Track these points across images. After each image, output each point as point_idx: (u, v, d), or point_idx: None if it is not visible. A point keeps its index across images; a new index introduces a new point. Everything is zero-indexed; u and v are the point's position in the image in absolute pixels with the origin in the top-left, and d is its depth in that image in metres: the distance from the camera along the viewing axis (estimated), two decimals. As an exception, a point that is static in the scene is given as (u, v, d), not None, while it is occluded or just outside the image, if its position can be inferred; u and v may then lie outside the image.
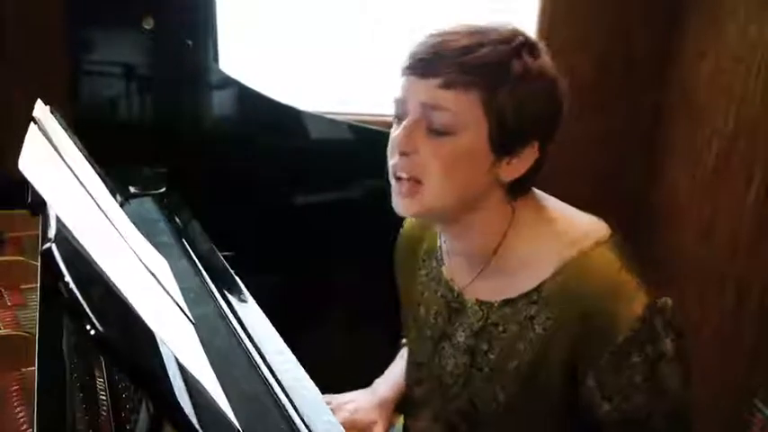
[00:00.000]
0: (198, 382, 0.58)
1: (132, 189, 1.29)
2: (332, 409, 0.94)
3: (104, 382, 0.71)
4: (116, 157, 1.63)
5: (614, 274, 0.77)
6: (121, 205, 1.18)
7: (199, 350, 0.71)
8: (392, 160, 0.80)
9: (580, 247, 0.79)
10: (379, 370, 1.11)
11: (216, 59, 1.76)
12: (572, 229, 0.82)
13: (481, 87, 0.75)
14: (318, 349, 1.71)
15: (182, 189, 1.42)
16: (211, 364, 0.70)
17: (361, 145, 1.79)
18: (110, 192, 1.00)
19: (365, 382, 1.07)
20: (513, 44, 0.76)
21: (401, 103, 0.79)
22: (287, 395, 0.71)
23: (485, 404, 0.86)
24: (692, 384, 0.80)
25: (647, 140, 1.96)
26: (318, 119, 1.80)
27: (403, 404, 1.03)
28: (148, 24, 1.71)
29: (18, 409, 0.76)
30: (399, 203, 0.81)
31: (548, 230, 0.82)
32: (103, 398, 0.70)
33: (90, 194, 0.71)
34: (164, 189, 1.33)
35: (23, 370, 0.82)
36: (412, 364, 0.99)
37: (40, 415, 0.65)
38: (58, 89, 1.67)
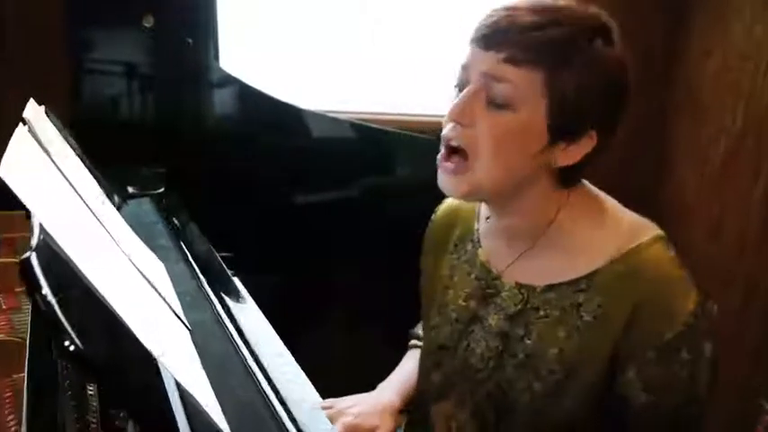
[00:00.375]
0: (190, 394, 0.56)
1: (130, 189, 1.27)
2: (333, 414, 0.92)
3: (96, 389, 0.69)
4: (116, 156, 1.62)
5: (672, 268, 0.77)
6: (119, 206, 1.18)
7: (194, 357, 0.70)
8: (445, 130, 0.78)
9: (639, 238, 0.78)
10: (380, 370, 1.08)
11: (216, 58, 1.75)
12: (628, 221, 0.81)
13: (544, 66, 0.73)
14: (319, 350, 1.69)
15: (182, 189, 1.41)
16: (207, 371, 0.68)
17: (363, 144, 1.77)
18: (106, 193, 0.98)
19: (366, 383, 1.05)
20: (586, 27, 0.75)
21: (464, 71, 0.78)
22: (283, 404, 0.69)
23: (517, 393, 0.83)
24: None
25: (653, 139, 1.93)
26: (320, 117, 1.77)
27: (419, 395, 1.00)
28: (149, 23, 1.69)
29: (9, 417, 0.75)
30: (448, 182, 0.79)
31: (604, 219, 0.81)
32: (95, 405, 0.68)
33: (81, 198, 0.69)
34: (162, 189, 1.31)
35: (14, 376, 0.81)
36: (431, 350, 0.95)
37: (30, 422, 0.64)
38: (57, 88, 1.65)
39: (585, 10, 0.76)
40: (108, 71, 1.72)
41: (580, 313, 0.78)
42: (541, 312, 0.81)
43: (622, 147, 1.88)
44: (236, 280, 1.42)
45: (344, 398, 0.99)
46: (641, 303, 0.75)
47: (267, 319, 1.22)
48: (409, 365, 1.04)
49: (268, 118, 1.76)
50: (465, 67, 0.78)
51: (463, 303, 0.89)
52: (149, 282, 0.73)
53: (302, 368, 1.00)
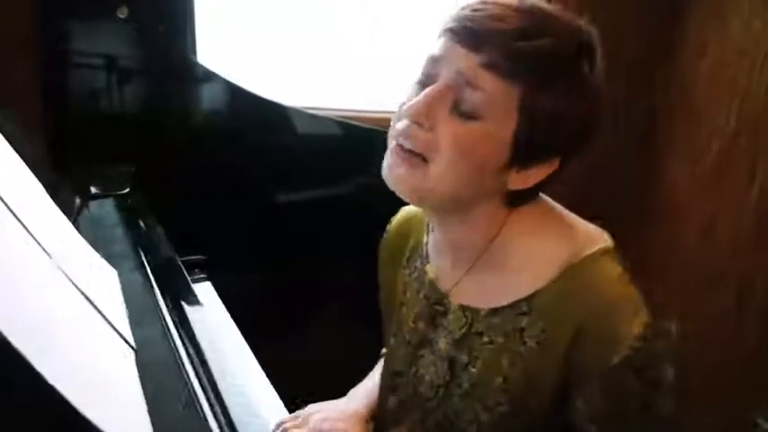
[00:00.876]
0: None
1: (93, 190, 1.21)
2: (299, 424, 0.87)
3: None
4: (88, 152, 1.59)
5: (617, 287, 0.69)
6: (80, 209, 1.12)
7: (133, 384, 0.64)
8: (400, 125, 0.70)
9: (582, 253, 0.70)
10: (368, 370, 1.04)
11: (194, 52, 1.69)
12: (572, 234, 0.73)
13: (524, 81, 0.65)
14: (305, 350, 1.68)
15: (155, 187, 1.36)
16: (148, 397, 0.63)
17: (349, 141, 1.72)
18: (55, 195, 0.92)
19: (353, 383, 1.00)
20: (576, 44, 0.67)
21: (432, 64, 0.69)
22: (227, 427, 0.63)
23: (465, 424, 0.78)
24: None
25: (644, 137, 1.89)
26: (302, 114, 1.72)
27: (377, 419, 0.96)
28: (123, 14, 1.64)
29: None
30: (395, 173, 0.70)
31: (545, 234, 0.74)
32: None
33: (12, 212, 0.63)
34: (128, 189, 1.25)
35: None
36: (388, 373, 0.90)
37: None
38: (27, 83, 1.60)
39: (574, 21, 0.69)
40: (81, 64, 1.66)
41: (523, 339, 0.72)
42: (485, 338, 0.75)
43: (613, 147, 1.86)
44: (207, 284, 1.38)
45: (310, 406, 0.94)
46: (583, 325, 0.68)
47: (248, 321, 1.17)
48: (375, 378, 0.99)
49: (247, 113, 1.71)
50: (435, 60, 0.69)
51: (412, 325, 0.84)
52: (88, 298, 0.67)
53: (287, 369, 0.96)
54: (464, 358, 0.77)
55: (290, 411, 0.98)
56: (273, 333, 1.56)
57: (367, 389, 0.98)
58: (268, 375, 1.06)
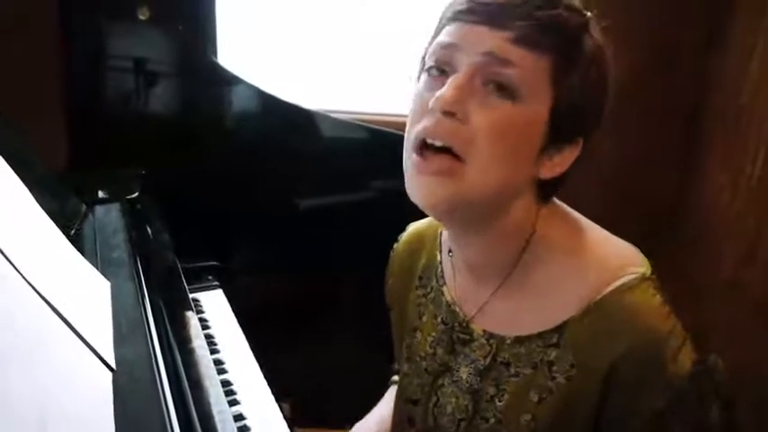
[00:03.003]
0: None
1: (101, 194, 1.18)
2: None
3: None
4: (106, 155, 1.58)
5: (660, 317, 0.62)
6: (84, 215, 1.09)
7: (104, 408, 0.60)
8: (423, 122, 0.62)
9: (617, 279, 0.64)
10: (383, 378, 1.01)
11: (214, 54, 1.67)
12: (606, 256, 0.67)
13: (556, 54, 0.61)
14: (319, 359, 1.63)
15: (174, 191, 1.33)
16: (119, 423, 0.58)
17: (371, 145, 1.67)
18: (55, 203, 0.89)
19: (367, 394, 0.98)
20: (584, 16, 0.64)
21: (450, 52, 0.63)
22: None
23: None
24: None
25: (684, 146, 1.78)
26: (323, 118, 1.69)
27: None
28: (144, 15, 1.62)
29: None
30: (427, 185, 0.62)
31: (575, 254, 0.67)
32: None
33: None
34: (136, 194, 1.22)
35: None
36: (403, 403, 0.83)
37: None
38: (49, 84, 1.60)
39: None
40: (101, 65, 1.66)
41: (553, 373, 0.65)
42: (512, 369, 0.69)
43: (645, 153, 1.77)
44: (218, 291, 1.34)
45: None
46: (620, 364, 0.61)
47: (259, 329, 1.13)
48: (386, 406, 0.93)
49: (267, 116, 1.68)
50: (451, 47, 0.62)
51: (431, 350, 0.77)
52: (60, 315, 0.63)
53: (297, 378, 0.91)
54: (490, 390, 0.70)
55: (294, 417, 0.94)
56: (287, 341, 1.53)
57: (376, 420, 0.94)
58: (278, 386, 1.02)
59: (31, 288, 0.60)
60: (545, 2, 0.62)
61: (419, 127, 0.63)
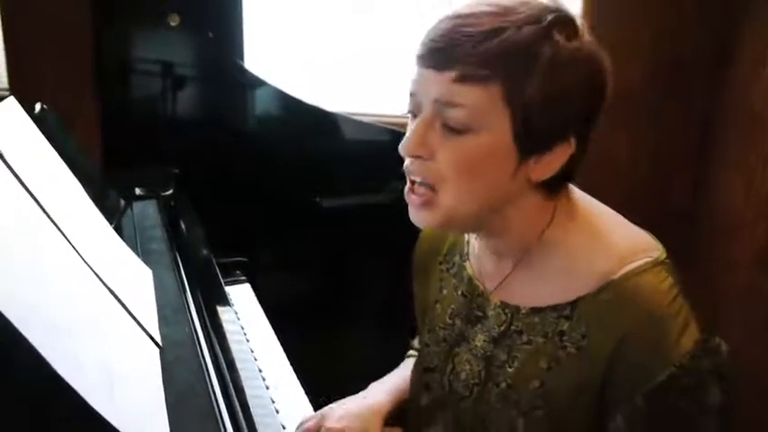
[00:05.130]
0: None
1: (138, 191, 1.25)
2: (319, 421, 0.87)
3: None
4: (139, 155, 1.65)
5: (668, 299, 0.66)
6: (124, 210, 1.16)
7: (155, 381, 0.65)
8: (406, 161, 0.71)
9: (633, 262, 0.68)
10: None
11: (241, 58, 1.73)
12: (623, 241, 0.71)
13: (503, 80, 0.63)
14: (342, 353, 1.68)
15: (203, 190, 1.39)
16: (169, 397, 0.64)
17: (394, 148, 1.71)
18: (100, 196, 0.95)
19: None
20: (543, 24, 0.64)
21: (413, 99, 0.69)
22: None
23: (501, 428, 0.75)
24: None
25: (697, 150, 1.80)
26: (345, 120, 1.73)
27: (405, 418, 0.94)
28: (174, 21, 1.69)
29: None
30: (418, 217, 0.72)
31: (593, 237, 0.72)
32: None
33: (42, 208, 0.65)
34: (171, 191, 1.28)
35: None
36: (421, 372, 0.89)
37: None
38: (83, 88, 1.67)
39: (536, 3, 0.66)
40: (133, 69, 1.72)
41: (563, 343, 0.70)
42: (524, 337, 0.74)
43: (659, 159, 1.80)
44: (246, 285, 1.40)
45: (330, 407, 0.93)
46: (627, 337, 0.65)
47: (285, 322, 1.19)
48: (403, 370, 0.98)
49: (292, 118, 1.73)
50: (414, 93, 0.69)
51: (450, 321, 0.83)
52: (116, 296, 0.68)
53: (322, 370, 0.94)
54: (502, 356, 0.75)
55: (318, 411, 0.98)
56: (311, 335, 1.58)
57: (392, 380, 0.97)
58: (303, 376, 1.07)
59: (92, 272, 0.66)
60: (490, 32, 0.63)
61: (405, 163, 0.71)
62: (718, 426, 0.66)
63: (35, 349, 0.43)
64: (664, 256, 0.70)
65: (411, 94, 0.69)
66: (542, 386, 0.71)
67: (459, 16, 0.65)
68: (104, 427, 0.46)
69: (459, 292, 0.82)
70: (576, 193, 0.76)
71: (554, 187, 0.71)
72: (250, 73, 1.70)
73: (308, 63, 1.82)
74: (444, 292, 0.85)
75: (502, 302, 0.76)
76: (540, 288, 0.73)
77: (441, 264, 0.87)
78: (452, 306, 0.83)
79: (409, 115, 0.71)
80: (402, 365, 1.02)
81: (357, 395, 0.94)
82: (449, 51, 0.64)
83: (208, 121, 1.74)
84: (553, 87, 0.64)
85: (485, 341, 0.78)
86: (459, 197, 0.67)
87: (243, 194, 1.64)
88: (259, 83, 1.70)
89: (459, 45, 0.64)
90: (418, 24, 1.79)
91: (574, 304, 0.70)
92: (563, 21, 0.66)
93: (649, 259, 0.69)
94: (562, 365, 0.70)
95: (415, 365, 0.91)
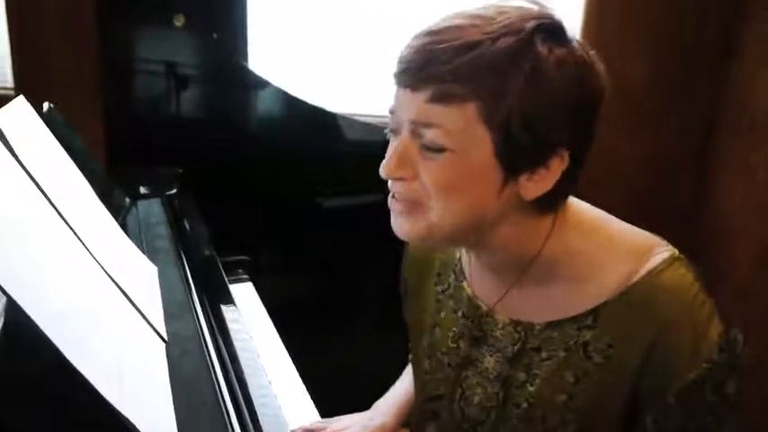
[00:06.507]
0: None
1: (143, 190, 1.26)
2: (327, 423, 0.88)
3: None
4: (144, 154, 1.66)
5: (691, 295, 0.66)
6: (129, 208, 1.17)
7: (161, 374, 0.67)
8: (389, 181, 0.67)
9: (651, 261, 0.67)
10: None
11: (245, 59, 1.74)
12: (632, 241, 0.69)
13: (479, 97, 0.60)
14: (343, 352, 1.69)
15: (207, 189, 1.41)
16: (175, 390, 0.65)
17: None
18: (106, 194, 0.97)
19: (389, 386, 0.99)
20: (522, 34, 0.60)
21: (393, 118, 0.67)
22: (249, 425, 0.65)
23: None
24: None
25: (698, 152, 1.81)
26: (350, 121, 1.74)
27: None
28: (179, 22, 1.70)
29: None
30: (398, 224, 0.67)
31: (601, 242, 0.69)
32: None
33: (52, 204, 0.67)
34: (175, 190, 1.29)
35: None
36: (425, 399, 0.85)
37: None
38: (88, 88, 1.68)
39: (516, 11, 0.62)
40: (139, 69, 1.74)
41: (588, 353, 0.68)
42: (543, 354, 0.71)
43: (660, 160, 1.80)
44: (249, 284, 1.41)
45: (337, 417, 0.95)
46: (658, 340, 0.64)
47: (287, 321, 1.20)
48: (405, 383, 0.97)
49: (296, 119, 1.74)
50: (393, 112, 0.66)
51: (453, 345, 0.79)
52: (123, 291, 0.70)
53: (324, 369, 0.94)
54: (521, 376, 0.72)
55: (320, 410, 0.99)
56: (312, 333, 1.59)
57: (395, 396, 0.97)
58: (304, 376, 1.08)
59: (100, 267, 0.68)
60: (463, 47, 0.60)
61: (389, 182, 0.67)
62: (733, 415, 0.66)
63: (55, 346, 0.44)
64: (677, 252, 0.69)
65: (391, 113, 0.67)
66: (571, 399, 0.69)
67: (432, 32, 0.62)
68: (116, 419, 0.47)
69: (460, 314, 0.79)
70: (571, 199, 0.72)
71: (551, 204, 0.67)
72: (254, 74, 1.71)
73: (311, 64, 1.83)
74: (443, 314, 0.81)
75: (512, 320, 0.73)
76: (552, 301, 0.70)
77: (435, 285, 0.83)
78: (454, 329, 0.79)
79: (391, 135, 0.67)
80: (404, 376, 1.00)
81: (361, 415, 0.94)
82: (422, 70, 0.61)
83: (212, 121, 1.76)
84: (535, 101, 0.60)
85: (497, 362, 0.74)
86: (443, 215, 0.64)
87: (246, 194, 1.65)
88: (263, 84, 1.71)
89: (432, 63, 0.60)
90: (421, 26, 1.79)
91: (595, 312, 0.68)
92: (546, 28, 0.61)
93: (666, 255, 0.67)
94: (591, 376, 0.68)
95: (418, 395, 0.88)
